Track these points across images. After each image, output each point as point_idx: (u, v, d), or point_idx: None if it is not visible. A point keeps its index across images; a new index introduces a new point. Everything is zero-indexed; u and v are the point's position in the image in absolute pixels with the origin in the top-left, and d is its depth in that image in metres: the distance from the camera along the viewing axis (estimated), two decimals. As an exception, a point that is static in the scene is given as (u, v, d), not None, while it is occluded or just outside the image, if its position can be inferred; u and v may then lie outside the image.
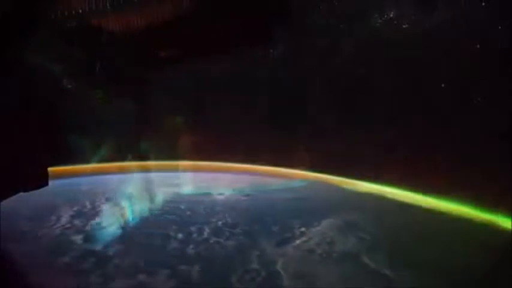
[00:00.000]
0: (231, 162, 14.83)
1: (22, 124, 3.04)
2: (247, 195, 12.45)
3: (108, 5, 3.41)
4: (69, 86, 3.91)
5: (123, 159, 13.93)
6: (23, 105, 3.09)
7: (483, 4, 11.24)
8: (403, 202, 11.40)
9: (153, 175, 13.68)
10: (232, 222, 9.92)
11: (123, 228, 9.65)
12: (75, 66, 3.81)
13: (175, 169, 14.55)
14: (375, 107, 12.61)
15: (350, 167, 12.75)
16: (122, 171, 13.87)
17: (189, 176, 14.19)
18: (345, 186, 13.06)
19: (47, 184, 3.24)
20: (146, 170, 13.91)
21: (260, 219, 10.03)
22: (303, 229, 9.35)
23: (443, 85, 11.99)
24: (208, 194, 12.48)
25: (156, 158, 14.32)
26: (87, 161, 13.29)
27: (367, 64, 12.89)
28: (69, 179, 12.78)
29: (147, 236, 9.15)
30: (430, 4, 11.64)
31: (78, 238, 8.97)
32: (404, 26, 12.49)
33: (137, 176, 13.48)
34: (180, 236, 9.11)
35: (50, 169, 3.31)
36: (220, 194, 12.49)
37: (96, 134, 12.03)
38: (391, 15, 12.64)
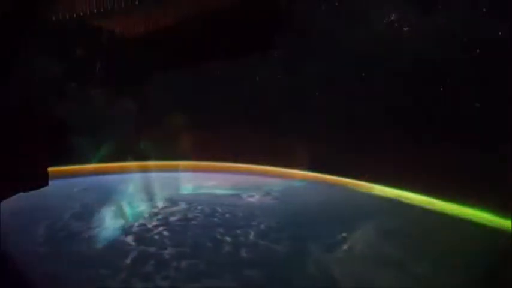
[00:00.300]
0: (240, 163, 14.88)
1: (22, 124, 3.04)
2: (276, 198, 12.36)
3: (108, 5, 3.41)
4: (70, 86, 3.91)
5: (134, 158, 13.96)
6: (23, 105, 3.09)
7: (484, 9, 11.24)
8: (424, 207, 11.44)
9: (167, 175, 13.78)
10: (275, 225, 9.86)
11: (172, 230, 9.58)
12: (75, 66, 3.81)
13: (187, 169, 14.61)
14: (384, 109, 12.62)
15: (364, 170, 12.71)
16: (139, 170, 13.86)
17: (206, 176, 14.24)
18: (362, 189, 13.05)
19: (47, 184, 3.24)
20: (162, 170, 14.01)
21: (300, 224, 9.99)
22: (344, 234, 9.28)
23: (448, 87, 11.98)
24: (237, 196, 12.48)
25: (158, 158, 14.36)
26: (90, 161, 13.32)
27: (369, 65, 12.89)
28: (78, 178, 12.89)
29: (198, 239, 9.12)
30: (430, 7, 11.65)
31: (130, 239, 8.96)
32: (405, 29, 12.50)
33: (165, 176, 13.55)
34: (228, 239, 9.10)
35: (50, 169, 3.31)
36: (251, 195, 12.44)
37: (97, 134, 12.04)
38: (392, 18, 12.66)
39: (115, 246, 8.65)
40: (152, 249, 8.51)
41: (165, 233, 9.40)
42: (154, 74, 4.30)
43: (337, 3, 13.39)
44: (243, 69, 12.60)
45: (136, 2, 3.44)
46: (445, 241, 9.04)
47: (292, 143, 13.29)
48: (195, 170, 14.86)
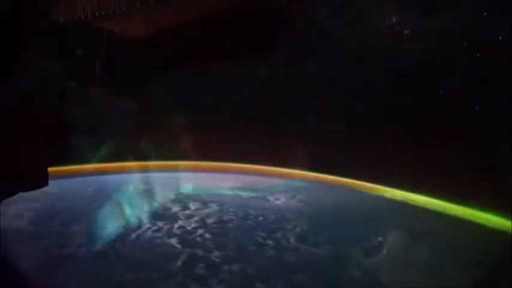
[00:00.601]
0: (243, 163, 14.91)
1: (22, 124, 3.04)
2: (300, 200, 12.43)
3: (109, 8, 3.41)
4: (70, 86, 3.91)
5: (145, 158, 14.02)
6: (23, 105, 3.09)
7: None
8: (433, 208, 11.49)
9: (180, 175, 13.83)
10: (310, 229, 9.78)
11: (211, 232, 9.57)
12: (75, 66, 3.81)
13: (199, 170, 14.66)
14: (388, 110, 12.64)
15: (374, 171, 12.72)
16: (150, 171, 13.92)
17: (220, 176, 14.37)
18: (376, 192, 13.08)
19: (47, 184, 3.24)
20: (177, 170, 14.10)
21: (333, 227, 9.88)
22: (380, 238, 9.18)
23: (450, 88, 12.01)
24: (263, 198, 12.51)
25: (161, 159, 14.40)
26: (90, 161, 13.33)
27: (369, 65, 12.90)
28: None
29: (240, 242, 9.08)
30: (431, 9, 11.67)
31: (174, 241, 8.95)
32: (406, 32, 12.53)
33: (179, 176, 13.68)
34: (270, 242, 9.03)
35: (50, 169, 3.31)
36: (277, 198, 12.51)
37: (97, 134, 12.05)
38: (393, 21, 12.68)
39: (161, 248, 8.60)
40: (199, 252, 8.41)
41: (206, 235, 9.33)
42: (154, 74, 4.30)
43: (338, 5, 13.41)
44: (243, 69, 12.60)
45: (138, 5, 3.45)
46: (446, 241, 9.06)
47: (294, 143, 13.30)
48: (205, 170, 14.87)
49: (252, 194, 12.87)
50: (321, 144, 13.01)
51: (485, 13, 11.37)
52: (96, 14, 3.41)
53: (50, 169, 3.28)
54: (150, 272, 7.38)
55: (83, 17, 3.42)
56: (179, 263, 7.84)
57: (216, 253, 8.35)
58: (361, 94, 13.12)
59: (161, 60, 3.90)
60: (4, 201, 3.20)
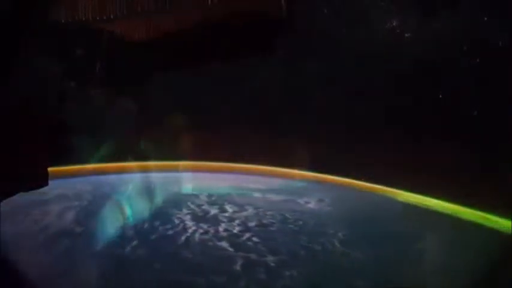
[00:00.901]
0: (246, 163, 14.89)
1: (22, 124, 3.04)
2: (329, 204, 12.40)
3: (110, 12, 3.42)
4: (70, 86, 3.91)
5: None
6: (23, 105, 3.09)
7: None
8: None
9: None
10: (351, 234, 9.71)
11: (258, 236, 9.56)
12: (75, 66, 3.81)
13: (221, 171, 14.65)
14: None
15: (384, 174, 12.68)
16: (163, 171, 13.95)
17: (243, 177, 14.37)
18: (391, 195, 13.04)
19: (47, 184, 3.24)
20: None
21: (371, 233, 9.80)
22: (419, 245, 9.00)
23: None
24: (293, 201, 12.47)
25: (166, 159, 14.40)
26: (91, 161, 13.32)
27: (370, 66, 12.90)
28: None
29: (290, 247, 9.03)
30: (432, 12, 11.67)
31: (225, 244, 8.96)
32: (405, 32, 12.52)
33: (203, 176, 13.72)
34: (317, 247, 9.01)
35: (50, 169, 3.31)
36: (307, 201, 12.48)
37: (97, 134, 12.04)
38: (393, 21, 12.68)
39: (216, 252, 8.64)
40: (253, 256, 8.41)
41: (254, 239, 9.32)
42: (154, 74, 4.30)
43: (339, 6, 13.40)
44: (243, 69, 12.60)
45: (139, 8, 3.45)
46: (446, 241, 9.05)
47: (294, 143, 13.29)
48: (214, 170, 14.84)
49: (281, 197, 12.80)
50: (321, 144, 13.00)
51: (485, 17, 11.37)
52: (97, 13, 3.41)
53: (50, 169, 3.28)
54: (212, 275, 7.40)
55: (83, 17, 3.42)
56: (238, 267, 7.84)
57: (270, 257, 8.33)
58: (361, 94, 13.12)
59: (161, 60, 3.90)
60: (4, 201, 3.20)
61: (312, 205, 12.32)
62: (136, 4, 3.46)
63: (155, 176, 13.41)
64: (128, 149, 13.73)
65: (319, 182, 14.23)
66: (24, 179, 3.11)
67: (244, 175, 14.75)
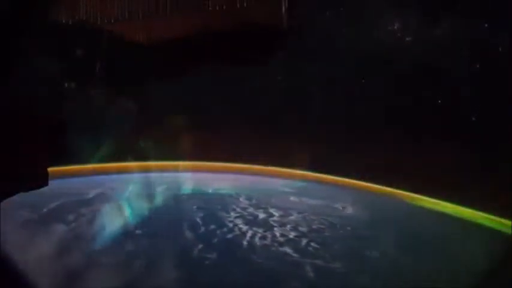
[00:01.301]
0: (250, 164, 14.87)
1: (22, 124, 3.04)
2: (360, 210, 12.28)
3: (109, 6, 3.42)
4: (70, 86, 3.91)
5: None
6: (23, 105, 3.09)
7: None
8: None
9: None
10: (396, 241, 9.56)
11: (315, 241, 9.51)
12: (75, 66, 3.81)
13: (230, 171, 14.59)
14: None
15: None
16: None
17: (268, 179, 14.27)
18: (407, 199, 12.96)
19: (47, 184, 3.23)
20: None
21: (412, 241, 9.71)
22: (450, 251, 8.97)
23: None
24: (328, 206, 12.35)
25: (158, 158, 14.37)
26: (91, 161, 13.32)
27: (370, 67, 12.91)
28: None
29: (350, 252, 9.04)
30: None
31: (288, 250, 8.91)
32: (405, 32, 12.52)
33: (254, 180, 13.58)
34: (375, 253, 8.98)
35: (50, 169, 3.31)
36: (343, 206, 12.37)
37: (97, 134, 12.04)
38: (393, 21, 12.68)
39: (283, 257, 8.60)
40: (319, 262, 8.36)
41: (312, 244, 9.27)
42: (154, 74, 4.30)
43: (339, 7, 13.41)
44: (243, 69, 12.59)
45: (139, 11, 3.45)
46: (446, 241, 9.05)
47: (294, 143, 13.28)
48: (221, 171, 14.80)
49: (316, 201, 12.62)
50: (321, 144, 12.99)
51: (485, 20, 11.38)
52: (97, 14, 3.41)
53: (50, 169, 3.28)
54: (290, 282, 7.41)
55: (83, 17, 3.42)
56: (311, 274, 7.81)
57: (337, 264, 8.28)
58: (361, 94, 13.12)
59: (161, 61, 3.90)
60: (4, 201, 3.20)
61: (350, 211, 12.17)
62: (137, 5, 3.46)
63: (185, 177, 13.34)
64: (128, 149, 13.73)
65: (337, 184, 14.04)
66: (24, 179, 3.10)
67: (248, 176, 14.70)
